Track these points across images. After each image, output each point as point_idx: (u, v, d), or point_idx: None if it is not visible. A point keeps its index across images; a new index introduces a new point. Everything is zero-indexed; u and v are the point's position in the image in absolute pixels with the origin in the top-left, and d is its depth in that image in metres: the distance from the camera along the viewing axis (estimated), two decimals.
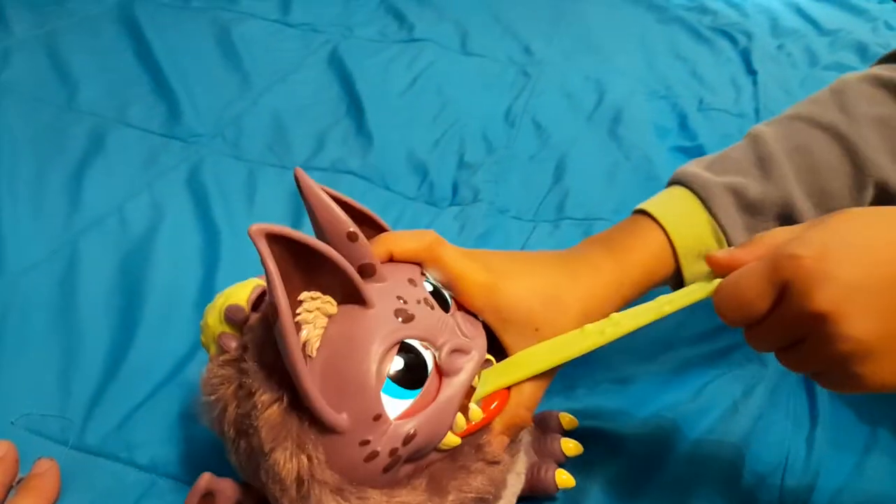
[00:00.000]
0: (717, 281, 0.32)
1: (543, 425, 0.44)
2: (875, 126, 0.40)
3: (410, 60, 0.86)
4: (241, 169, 0.67)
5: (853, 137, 0.40)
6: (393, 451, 0.29)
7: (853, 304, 0.28)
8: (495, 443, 0.33)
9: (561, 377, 0.50)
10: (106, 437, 0.44)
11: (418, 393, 0.30)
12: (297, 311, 0.29)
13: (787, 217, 0.41)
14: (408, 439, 0.29)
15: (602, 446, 0.45)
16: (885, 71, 0.42)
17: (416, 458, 0.30)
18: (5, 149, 0.65)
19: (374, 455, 0.29)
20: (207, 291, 0.54)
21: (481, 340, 0.33)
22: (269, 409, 0.29)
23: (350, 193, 0.67)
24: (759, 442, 0.46)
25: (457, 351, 0.31)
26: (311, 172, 0.69)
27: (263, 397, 0.29)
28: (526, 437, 0.37)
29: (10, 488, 0.39)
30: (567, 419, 0.44)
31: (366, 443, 0.29)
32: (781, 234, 0.32)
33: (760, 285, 0.29)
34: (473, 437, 0.33)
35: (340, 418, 0.28)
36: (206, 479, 0.33)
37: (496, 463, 0.33)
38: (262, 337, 0.31)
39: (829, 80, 0.95)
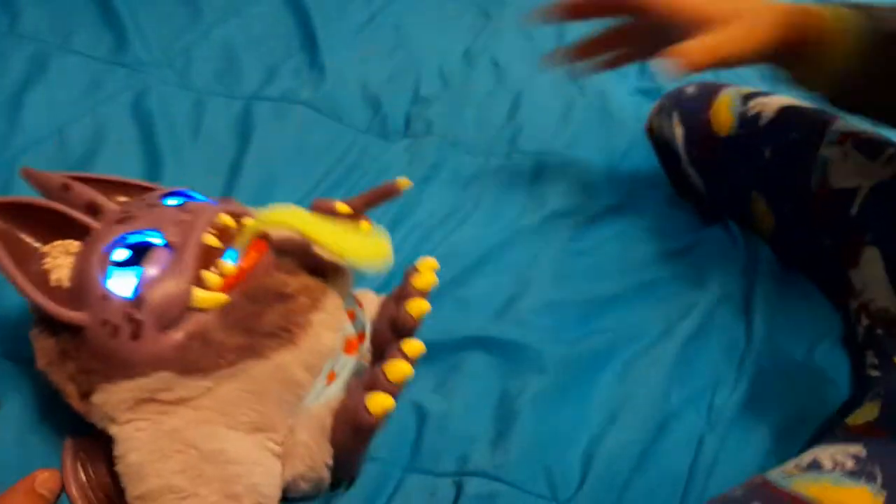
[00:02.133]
0: None
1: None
2: None
3: None
4: (188, 98, 0.65)
5: None
6: (129, 317, 0.32)
7: None
8: None
9: (501, 294, 0.50)
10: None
11: (141, 268, 0.33)
12: (45, 261, 0.35)
13: None
14: (139, 303, 0.32)
15: (532, 364, 0.45)
16: None
17: (176, 321, 0.32)
18: None
19: (116, 329, 0.32)
20: None
21: (207, 210, 0.36)
22: (37, 340, 0.35)
23: (300, 124, 0.67)
24: (691, 364, 0.47)
25: (177, 224, 0.34)
26: (260, 102, 0.69)
27: (33, 332, 0.36)
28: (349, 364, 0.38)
29: None
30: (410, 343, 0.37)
31: (105, 322, 0.32)
32: None
33: None
34: (249, 289, 0.34)
35: (78, 314, 0.33)
36: (67, 442, 0.37)
37: (282, 299, 0.34)
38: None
39: None
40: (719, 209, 0.58)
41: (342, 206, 0.41)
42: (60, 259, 0.35)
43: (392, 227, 0.54)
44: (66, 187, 0.37)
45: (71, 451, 0.37)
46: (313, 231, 0.34)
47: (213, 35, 0.74)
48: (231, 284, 0.34)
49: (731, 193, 0.56)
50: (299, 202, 0.56)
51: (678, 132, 0.57)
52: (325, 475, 0.35)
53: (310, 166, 0.60)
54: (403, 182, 0.42)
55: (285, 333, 0.34)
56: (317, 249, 0.36)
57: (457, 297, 0.50)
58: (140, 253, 0.34)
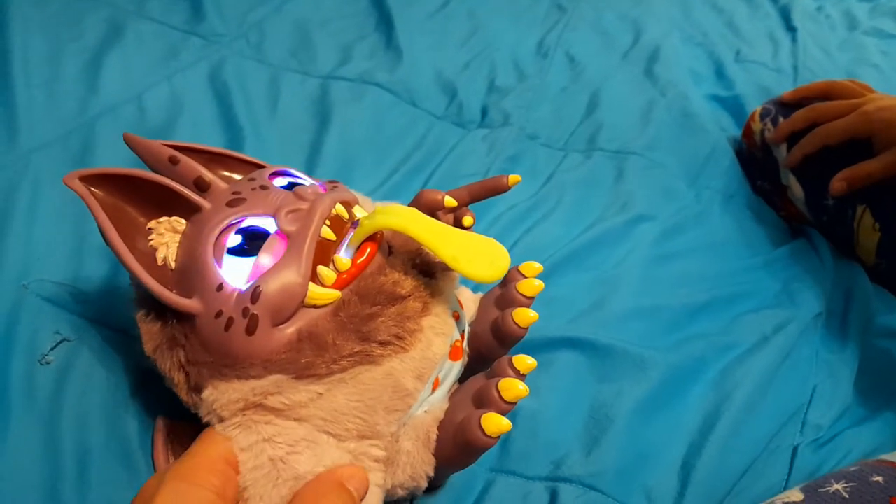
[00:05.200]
0: None
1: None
2: None
3: None
4: (264, 72, 0.64)
5: None
6: (245, 311, 0.30)
7: None
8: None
9: (588, 295, 0.48)
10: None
11: (254, 257, 0.31)
12: (150, 237, 0.33)
13: None
14: (255, 296, 0.30)
15: (625, 368, 0.44)
16: None
17: (287, 316, 0.30)
18: (16, 33, 0.61)
19: (230, 321, 0.30)
20: None
21: (325, 199, 0.33)
22: (144, 324, 0.33)
23: (375, 106, 0.65)
24: (786, 377, 0.45)
25: (293, 212, 0.32)
26: (336, 82, 0.67)
27: (139, 314, 0.33)
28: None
29: None
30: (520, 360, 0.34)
31: (219, 314, 0.30)
32: None
33: None
34: (362, 287, 0.32)
35: (191, 301, 0.31)
36: (159, 423, 0.36)
37: (394, 301, 0.31)
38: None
39: (867, 45, 0.94)
40: (817, 221, 0.56)
41: (450, 200, 0.39)
42: (167, 237, 0.33)
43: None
44: (174, 160, 0.35)
45: (162, 432, 0.36)
46: (432, 239, 0.32)
47: (286, 10, 0.73)
48: (345, 281, 0.32)
49: (835, 205, 0.54)
50: (379, 186, 0.56)
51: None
52: (424, 485, 0.33)
53: (387, 150, 0.59)
54: (513, 178, 0.40)
55: (398, 340, 0.31)
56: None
57: (541, 296, 0.48)
58: (251, 239, 0.32)
